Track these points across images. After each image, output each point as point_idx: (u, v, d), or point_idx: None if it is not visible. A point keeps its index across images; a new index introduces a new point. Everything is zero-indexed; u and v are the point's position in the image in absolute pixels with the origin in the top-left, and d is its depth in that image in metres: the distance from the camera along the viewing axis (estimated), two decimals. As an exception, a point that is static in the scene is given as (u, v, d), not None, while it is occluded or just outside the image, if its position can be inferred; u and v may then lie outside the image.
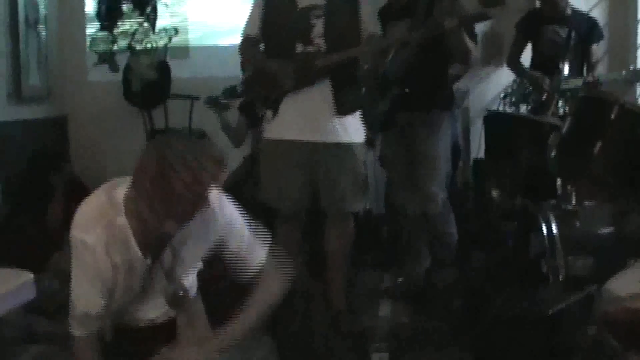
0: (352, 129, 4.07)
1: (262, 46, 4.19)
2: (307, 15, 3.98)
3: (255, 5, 4.18)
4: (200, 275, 2.81)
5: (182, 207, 2.35)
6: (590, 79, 4.77)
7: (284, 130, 4.03)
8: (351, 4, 4.02)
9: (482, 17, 4.11)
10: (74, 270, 2.48)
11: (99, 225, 2.41)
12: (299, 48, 3.98)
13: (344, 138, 4.03)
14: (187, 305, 2.71)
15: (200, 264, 2.75)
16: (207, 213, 2.50)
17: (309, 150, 4.02)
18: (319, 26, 3.96)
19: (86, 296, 2.48)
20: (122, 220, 2.43)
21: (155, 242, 2.51)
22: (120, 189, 2.46)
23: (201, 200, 2.37)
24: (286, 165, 4.05)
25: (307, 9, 3.98)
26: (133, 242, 2.46)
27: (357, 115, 4.12)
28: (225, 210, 2.62)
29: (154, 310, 2.70)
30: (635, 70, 4.91)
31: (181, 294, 2.65)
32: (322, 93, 3.98)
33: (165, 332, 2.70)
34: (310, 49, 3.97)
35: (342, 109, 4.00)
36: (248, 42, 4.19)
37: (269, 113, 4.06)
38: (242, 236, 2.68)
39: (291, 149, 4.02)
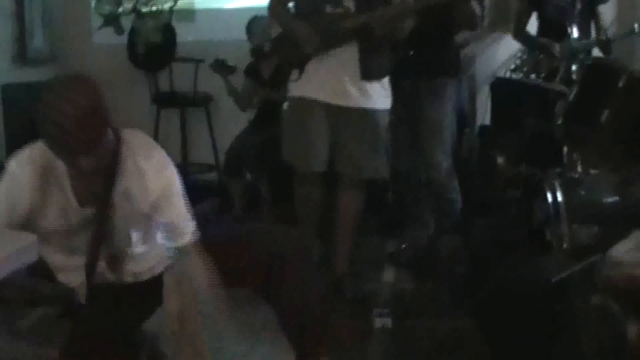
0: (377, 95, 4.03)
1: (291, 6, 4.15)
2: None
3: None
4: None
5: (69, 137, 2.37)
6: (603, 37, 4.74)
7: (308, 89, 4.01)
8: None
9: None
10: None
11: (35, 163, 2.53)
12: (328, 10, 3.93)
13: (367, 104, 4.00)
14: (175, 265, 2.71)
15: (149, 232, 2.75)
16: (142, 170, 2.60)
17: (331, 113, 4.01)
18: None
19: None
20: (61, 166, 2.53)
21: (90, 191, 2.58)
22: None
23: (82, 125, 2.38)
24: (308, 124, 4.03)
25: None
26: (68, 189, 2.56)
27: (384, 81, 4.07)
28: (165, 172, 2.69)
29: (135, 264, 2.74)
30: None
31: (117, 254, 2.69)
32: (348, 56, 3.94)
33: (150, 290, 2.71)
34: (339, 10, 3.92)
35: (368, 74, 3.96)
36: (277, 2, 4.16)
37: (294, 73, 4.04)
38: (178, 204, 2.73)
39: (314, 108, 4.01)
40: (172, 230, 2.68)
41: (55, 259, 2.72)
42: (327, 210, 4.24)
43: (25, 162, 2.55)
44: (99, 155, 2.49)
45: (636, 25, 4.72)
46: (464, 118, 5.41)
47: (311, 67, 4.00)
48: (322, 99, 3.99)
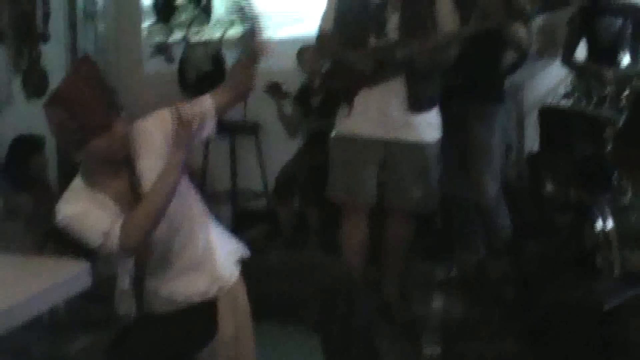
0: (425, 126, 4.01)
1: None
2: (382, 9, 3.93)
3: (329, 0, 4.13)
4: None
5: (81, 115, 2.47)
6: None
7: (357, 125, 4.00)
8: None
9: (564, 2, 4.03)
10: (82, 228, 2.56)
11: (77, 202, 2.57)
12: (373, 41, 3.93)
13: (416, 137, 3.99)
14: (230, 288, 2.76)
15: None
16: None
17: (380, 147, 3.99)
18: (394, 20, 3.91)
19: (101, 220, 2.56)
20: (86, 190, 2.59)
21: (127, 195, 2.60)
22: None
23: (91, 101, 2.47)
24: (357, 161, 4.02)
25: (383, 2, 3.93)
26: (109, 201, 2.58)
27: (434, 112, 4.06)
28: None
29: (188, 285, 2.74)
30: None
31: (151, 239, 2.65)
32: (395, 88, 3.93)
33: (204, 315, 2.73)
34: (383, 42, 3.92)
35: (416, 106, 3.95)
36: (324, 37, 4.15)
37: (344, 108, 4.04)
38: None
39: (362, 145, 3.99)
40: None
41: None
42: (378, 234, 4.24)
43: (71, 204, 2.60)
44: (112, 142, 2.54)
45: None
46: (511, 144, 5.40)
47: (358, 101, 3.99)
48: (369, 134, 3.98)
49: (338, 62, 4.10)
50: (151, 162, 2.63)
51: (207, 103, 2.79)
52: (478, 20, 3.92)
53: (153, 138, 2.66)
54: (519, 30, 4.24)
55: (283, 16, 6.00)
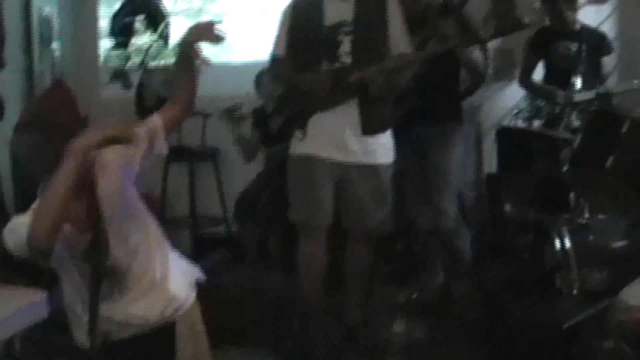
0: (379, 149, 4.04)
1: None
2: (334, 33, 3.96)
3: (282, 24, 4.13)
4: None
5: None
6: (602, 90, 4.79)
7: (311, 147, 4.01)
8: (380, 21, 3.98)
9: (518, 26, 4.08)
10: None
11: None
12: (325, 66, 3.96)
13: (370, 159, 4.01)
14: (187, 312, 2.73)
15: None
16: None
17: (335, 169, 4.01)
18: (346, 44, 3.94)
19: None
20: None
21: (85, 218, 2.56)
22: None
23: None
24: (313, 183, 4.02)
25: (335, 26, 3.96)
26: (66, 226, 2.50)
27: (387, 134, 4.08)
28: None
29: (144, 308, 2.69)
30: None
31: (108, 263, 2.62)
32: (349, 112, 3.96)
33: (162, 340, 2.69)
34: (336, 66, 3.95)
35: (369, 129, 3.97)
36: (276, 62, 4.17)
37: (298, 132, 4.05)
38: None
39: (317, 165, 4.00)
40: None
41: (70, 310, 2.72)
42: (338, 258, 4.23)
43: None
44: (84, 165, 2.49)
45: (635, 82, 4.79)
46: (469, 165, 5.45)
47: (312, 124, 4.01)
48: (324, 157, 3.99)
49: (291, 86, 4.12)
50: (109, 184, 2.61)
51: (155, 120, 2.78)
52: (435, 45, 3.96)
53: (107, 161, 2.64)
54: (475, 54, 4.29)
55: (240, 43, 6.02)
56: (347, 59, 3.94)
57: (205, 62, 2.79)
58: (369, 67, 3.88)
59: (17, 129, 2.54)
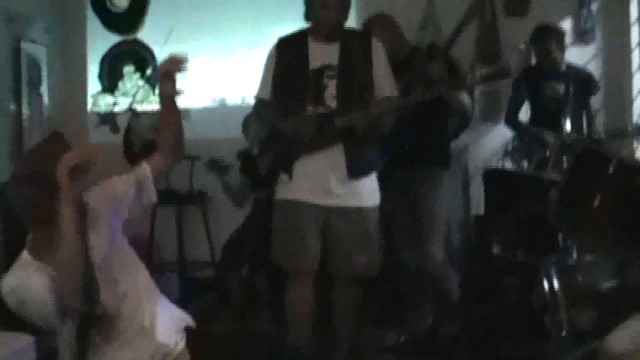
0: (365, 192, 4.03)
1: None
2: (320, 77, 3.96)
3: (267, 68, 4.13)
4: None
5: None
6: (596, 136, 4.82)
7: (296, 191, 4.00)
8: (365, 64, 3.99)
9: (504, 74, 4.12)
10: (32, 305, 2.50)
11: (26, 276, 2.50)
12: (310, 109, 3.95)
13: (356, 202, 4.00)
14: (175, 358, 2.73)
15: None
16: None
17: (321, 213, 3.99)
18: (331, 87, 3.94)
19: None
20: (34, 263, 2.52)
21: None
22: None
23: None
24: (299, 227, 4.00)
25: (320, 69, 3.97)
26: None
27: (373, 177, 4.08)
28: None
29: (132, 355, 2.68)
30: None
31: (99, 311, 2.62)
32: (334, 156, 3.95)
33: None
34: (321, 110, 3.95)
35: (355, 172, 3.96)
36: (261, 105, 4.16)
37: (283, 176, 4.04)
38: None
39: (303, 210, 3.99)
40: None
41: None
42: (325, 302, 4.22)
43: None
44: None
45: (629, 125, 4.83)
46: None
47: (297, 168, 4.00)
48: (310, 200, 3.98)
49: (276, 130, 4.10)
50: (99, 234, 2.61)
51: (143, 169, 2.78)
52: (422, 91, 3.98)
53: (98, 209, 2.64)
54: (463, 98, 4.33)
55: (228, 87, 6.02)
56: (333, 102, 3.94)
57: (179, 93, 2.82)
58: (354, 111, 3.88)
59: (12, 181, 2.53)
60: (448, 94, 4.24)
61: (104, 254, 2.62)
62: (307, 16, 4.07)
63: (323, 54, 3.99)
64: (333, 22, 3.96)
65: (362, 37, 4.13)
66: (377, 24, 4.56)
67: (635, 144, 5.34)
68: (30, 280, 2.49)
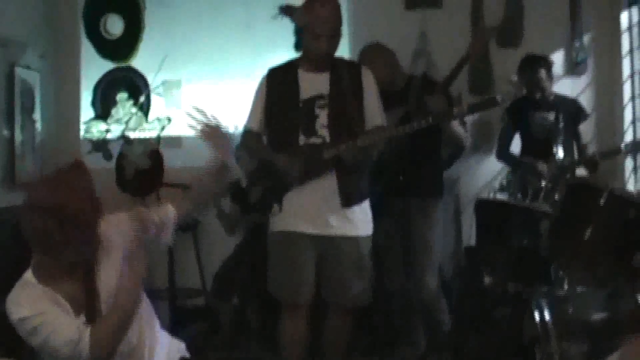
0: (358, 221, 4.03)
1: (264, 139, 4.16)
2: (311, 107, 3.97)
3: (257, 98, 4.13)
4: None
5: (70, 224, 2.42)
6: (591, 158, 4.85)
7: (290, 222, 4.00)
8: (356, 94, 4.01)
9: (492, 103, 4.14)
10: (44, 332, 2.49)
11: (33, 302, 2.50)
12: (302, 139, 3.96)
13: (350, 231, 4.00)
14: None
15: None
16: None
17: (314, 243, 4.00)
18: (322, 117, 3.96)
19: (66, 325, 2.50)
20: (39, 287, 2.53)
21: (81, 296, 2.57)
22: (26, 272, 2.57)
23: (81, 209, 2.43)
24: (293, 259, 4.01)
25: (311, 99, 3.98)
26: (62, 300, 2.53)
27: (366, 206, 4.08)
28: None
29: None
30: (633, 142, 5.01)
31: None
32: (327, 186, 3.95)
33: None
34: (313, 140, 3.95)
35: (348, 201, 3.97)
36: (250, 136, 4.16)
37: (275, 207, 4.04)
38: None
39: (297, 240, 3.99)
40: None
41: None
42: (319, 327, 4.20)
43: (21, 305, 2.55)
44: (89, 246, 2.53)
45: (622, 145, 4.85)
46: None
47: (290, 199, 4.00)
48: (304, 231, 3.98)
49: (265, 162, 4.09)
50: (110, 265, 2.60)
51: (168, 211, 2.78)
52: (418, 120, 3.98)
53: (111, 241, 2.63)
54: (458, 129, 4.35)
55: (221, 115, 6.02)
56: (324, 132, 3.95)
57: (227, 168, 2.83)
58: (345, 142, 3.89)
59: (26, 207, 2.49)
60: (443, 124, 4.26)
61: (112, 289, 2.61)
62: (298, 46, 4.09)
63: (314, 84, 4.01)
64: (323, 52, 3.96)
65: (352, 66, 4.16)
66: (373, 52, 4.58)
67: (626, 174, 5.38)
68: (48, 309, 2.49)
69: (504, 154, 5.43)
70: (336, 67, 4.03)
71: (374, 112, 4.05)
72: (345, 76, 4.02)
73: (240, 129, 4.29)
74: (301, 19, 4.02)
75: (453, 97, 4.57)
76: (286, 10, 4.09)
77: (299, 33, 4.08)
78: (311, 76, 4.03)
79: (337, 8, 3.98)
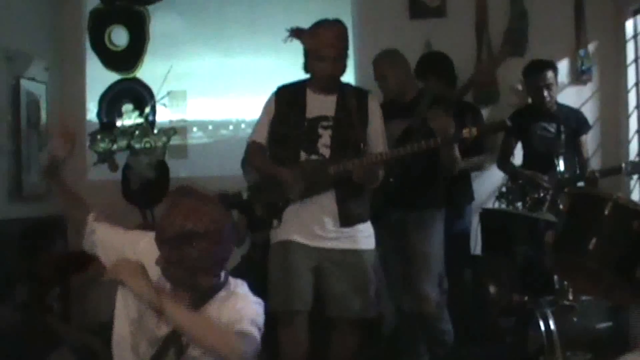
0: (359, 235, 4.06)
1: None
2: (315, 126, 4.04)
3: (264, 113, 4.21)
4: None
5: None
6: (591, 175, 4.83)
7: (289, 233, 4.03)
8: (360, 119, 4.06)
9: (502, 127, 4.15)
10: None
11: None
12: (303, 156, 4.01)
13: (350, 245, 4.02)
14: None
15: None
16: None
17: (315, 254, 4.02)
18: (325, 137, 4.02)
19: None
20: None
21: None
22: None
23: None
24: (289, 264, 4.02)
25: (316, 119, 4.05)
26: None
27: (367, 223, 4.11)
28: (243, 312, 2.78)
29: None
30: (634, 163, 4.98)
31: None
32: (327, 201, 4.00)
33: None
34: (313, 157, 4.00)
35: (347, 221, 4.01)
36: (255, 147, 4.21)
37: (275, 222, 4.06)
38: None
39: (296, 250, 4.01)
40: None
41: None
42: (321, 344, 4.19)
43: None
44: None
45: (623, 165, 4.83)
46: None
47: (290, 213, 4.04)
48: (303, 242, 4.01)
49: (267, 175, 4.13)
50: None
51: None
52: (430, 141, 3.98)
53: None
54: (453, 152, 4.34)
55: (226, 125, 6.03)
56: (325, 151, 4.01)
57: None
58: (350, 159, 3.93)
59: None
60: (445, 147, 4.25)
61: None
62: (306, 68, 4.12)
63: (320, 105, 4.08)
64: (329, 74, 4.04)
65: (360, 93, 4.22)
66: (390, 59, 4.60)
67: (631, 184, 5.36)
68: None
69: (504, 164, 5.43)
70: (343, 91, 4.12)
71: (377, 140, 4.12)
72: (351, 101, 4.09)
73: (244, 140, 4.31)
74: (307, 41, 4.08)
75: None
76: (296, 33, 4.14)
77: (306, 55, 4.11)
78: (318, 97, 4.11)
79: (343, 32, 4.05)
